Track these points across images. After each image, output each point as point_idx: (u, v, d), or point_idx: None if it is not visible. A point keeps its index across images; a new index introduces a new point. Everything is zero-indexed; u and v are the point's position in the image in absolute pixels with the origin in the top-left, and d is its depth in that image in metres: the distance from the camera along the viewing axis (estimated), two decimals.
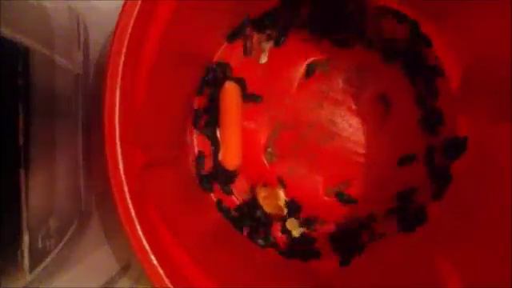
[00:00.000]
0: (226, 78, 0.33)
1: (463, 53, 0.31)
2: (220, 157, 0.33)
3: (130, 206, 0.21)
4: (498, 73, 0.28)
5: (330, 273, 0.32)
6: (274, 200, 0.33)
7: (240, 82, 0.33)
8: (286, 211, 0.33)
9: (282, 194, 0.33)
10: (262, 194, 0.33)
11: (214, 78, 0.33)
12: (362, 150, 0.33)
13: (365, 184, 0.33)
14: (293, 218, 0.33)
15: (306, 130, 0.34)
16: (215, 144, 0.34)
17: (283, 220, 0.34)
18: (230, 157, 0.33)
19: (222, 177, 0.34)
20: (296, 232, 0.33)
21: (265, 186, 0.33)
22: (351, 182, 0.34)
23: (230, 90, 0.33)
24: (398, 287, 0.28)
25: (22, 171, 0.20)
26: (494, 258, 0.25)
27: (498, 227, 0.26)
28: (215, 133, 0.33)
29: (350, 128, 0.34)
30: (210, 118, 0.34)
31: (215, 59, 0.34)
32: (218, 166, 0.33)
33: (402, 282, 0.28)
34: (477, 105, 0.31)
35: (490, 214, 0.27)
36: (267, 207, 0.33)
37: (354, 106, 0.34)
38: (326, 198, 0.34)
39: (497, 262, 0.25)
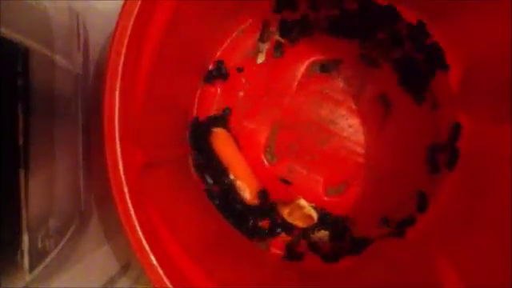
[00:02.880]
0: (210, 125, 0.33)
1: (463, 53, 0.31)
2: (248, 198, 0.33)
3: (130, 205, 0.21)
4: (498, 73, 0.28)
5: (329, 273, 0.32)
6: (299, 211, 0.32)
7: (223, 120, 0.33)
8: (316, 216, 0.33)
9: (303, 201, 0.33)
10: (285, 212, 0.33)
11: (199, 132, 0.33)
12: (362, 150, 0.33)
13: (365, 184, 0.33)
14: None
15: (306, 130, 0.34)
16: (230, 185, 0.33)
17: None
18: (254, 192, 0.33)
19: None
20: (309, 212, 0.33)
21: (284, 203, 0.33)
22: (351, 182, 0.34)
23: (222, 136, 0.33)
24: (397, 287, 0.28)
25: (21, 171, 0.20)
26: (494, 257, 0.25)
27: (497, 227, 0.26)
28: (228, 176, 0.33)
29: (350, 128, 0.34)
30: (215, 167, 0.33)
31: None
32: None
33: (402, 282, 0.28)
34: (477, 106, 0.31)
35: (490, 214, 0.27)
36: (297, 222, 0.33)
37: (354, 106, 0.34)
38: (325, 198, 0.34)
39: (497, 261, 0.25)
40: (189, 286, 0.23)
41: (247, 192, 0.33)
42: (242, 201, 0.33)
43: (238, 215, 0.33)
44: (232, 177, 0.33)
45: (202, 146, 0.33)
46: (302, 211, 0.32)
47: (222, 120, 0.33)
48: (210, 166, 0.33)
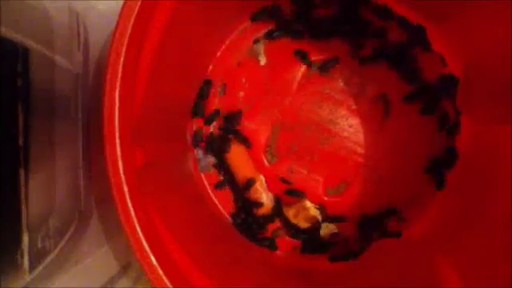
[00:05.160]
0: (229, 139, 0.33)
1: (463, 54, 0.31)
2: (260, 211, 0.33)
3: (130, 205, 0.21)
4: (498, 73, 0.28)
5: (330, 273, 0.32)
6: (304, 212, 0.33)
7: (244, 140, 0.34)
8: (320, 216, 0.33)
9: (308, 202, 0.33)
10: (291, 213, 0.33)
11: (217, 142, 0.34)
12: (361, 150, 0.33)
13: (364, 184, 0.33)
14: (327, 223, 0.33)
15: (306, 130, 0.34)
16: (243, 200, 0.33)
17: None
18: (265, 206, 0.33)
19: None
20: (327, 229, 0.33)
21: (288, 204, 0.33)
22: (351, 182, 0.34)
23: (239, 153, 0.33)
24: (398, 287, 0.28)
25: (21, 171, 0.20)
26: (494, 257, 0.25)
27: (497, 227, 0.26)
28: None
29: (350, 128, 0.34)
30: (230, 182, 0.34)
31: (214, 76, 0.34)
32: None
33: (403, 282, 0.28)
34: (477, 106, 0.31)
35: (490, 214, 0.27)
36: (301, 223, 0.33)
37: (354, 106, 0.34)
38: (325, 198, 0.34)
39: (497, 261, 0.25)
40: (188, 285, 0.23)
41: (265, 202, 0.33)
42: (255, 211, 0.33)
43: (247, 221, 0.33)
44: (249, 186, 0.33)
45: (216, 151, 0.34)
46: (307, 212, 0.32)
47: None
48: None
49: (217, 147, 0.33)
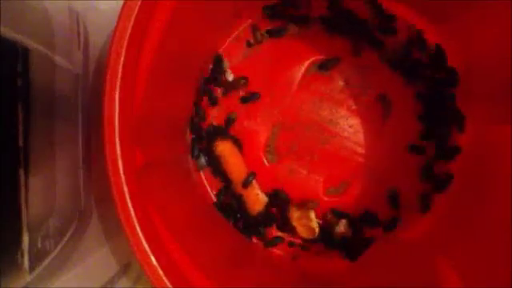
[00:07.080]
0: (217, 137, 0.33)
1: (463, 55, 0.31)
2: (253, 212, 0.33)
3: (130, 206, 0.21)
4: (498, 75, 0.28)
5: (330, 273, 0.32)
6: (307, 221, 0.32)
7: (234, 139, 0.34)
8: (317, 233, 0.33)
9: (313, 215, 0.33)
10: (295, 215, 0.33)
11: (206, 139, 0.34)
12: (361, 150, 0.33)
13: (365, 184, 0.33)
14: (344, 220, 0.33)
15: (306, 130, 0.34)
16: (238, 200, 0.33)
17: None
18: (259, 203, 0.33)
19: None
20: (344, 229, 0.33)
21: (296, 205, 0.33)
22: (351, 182, 0.34)
23: (228, 149, 0.33)
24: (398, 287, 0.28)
25: (21, 171, 0.20)
26: (494, 257, 0.25)
27: (497, 227, 0.26)
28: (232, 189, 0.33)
29: (350, 128, 0.34)
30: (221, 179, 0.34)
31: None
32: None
33: (403, 282, 0.28)
34: (477, 107, 0.31)
35: (490, 215, 0.27)
36: (301, 230, 0.33)
37: (354, 106, 0.34)
38: (326, 199, 0.34)
39: (497, 261, 0.25)
40: (188, 285, 0.23)
41: (251, 210, 0.33)
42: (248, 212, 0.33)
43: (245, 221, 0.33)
44: (237, 189, 0.33)
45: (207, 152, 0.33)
46: (309, 223, 0.32)
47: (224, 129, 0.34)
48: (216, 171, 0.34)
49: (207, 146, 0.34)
